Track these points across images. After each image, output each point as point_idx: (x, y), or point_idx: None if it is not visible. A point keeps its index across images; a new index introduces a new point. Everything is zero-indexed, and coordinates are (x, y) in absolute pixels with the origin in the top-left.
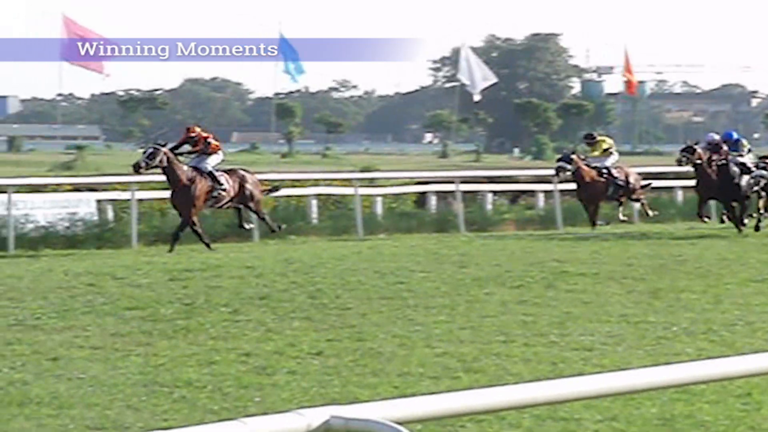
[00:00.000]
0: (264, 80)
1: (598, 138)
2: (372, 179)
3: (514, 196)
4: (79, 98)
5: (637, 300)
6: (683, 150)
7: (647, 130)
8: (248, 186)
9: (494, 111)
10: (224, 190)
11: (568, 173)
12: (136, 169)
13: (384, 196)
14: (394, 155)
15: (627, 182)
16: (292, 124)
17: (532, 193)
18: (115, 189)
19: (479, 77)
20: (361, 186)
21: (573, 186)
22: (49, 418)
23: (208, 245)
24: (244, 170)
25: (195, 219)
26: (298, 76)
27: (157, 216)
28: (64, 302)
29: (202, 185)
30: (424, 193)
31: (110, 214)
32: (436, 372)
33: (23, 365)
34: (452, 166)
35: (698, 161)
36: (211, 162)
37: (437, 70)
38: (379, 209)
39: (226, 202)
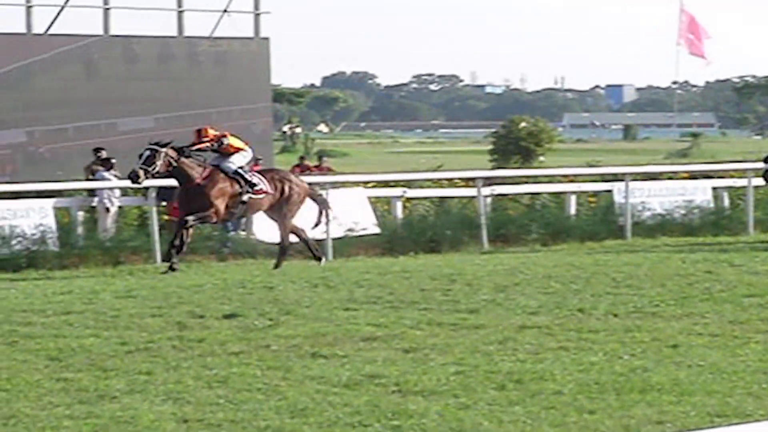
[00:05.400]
0: None
1: None
2: None
3: None
4: (694, 86)
5: None
6: None
7: None
8: (291, 187)
9: None
10: (260, 191)
11: None
12: (134, 180)
13: None
14: None
15: None
16: None
17: None
18: (731, 176)
19: None
20: None
21: None
22: (670, 405)
23: (171, 266)
24: (287, 171)
25: (191, 231)
26: None
27: None
28: (682, 289)
29: (224, 185)
30: None
31: (726, 201)
32: None
33: (643, 352)
34: None
35: None
36: (236, 161)
37: None
38: None
39: (265, 209)
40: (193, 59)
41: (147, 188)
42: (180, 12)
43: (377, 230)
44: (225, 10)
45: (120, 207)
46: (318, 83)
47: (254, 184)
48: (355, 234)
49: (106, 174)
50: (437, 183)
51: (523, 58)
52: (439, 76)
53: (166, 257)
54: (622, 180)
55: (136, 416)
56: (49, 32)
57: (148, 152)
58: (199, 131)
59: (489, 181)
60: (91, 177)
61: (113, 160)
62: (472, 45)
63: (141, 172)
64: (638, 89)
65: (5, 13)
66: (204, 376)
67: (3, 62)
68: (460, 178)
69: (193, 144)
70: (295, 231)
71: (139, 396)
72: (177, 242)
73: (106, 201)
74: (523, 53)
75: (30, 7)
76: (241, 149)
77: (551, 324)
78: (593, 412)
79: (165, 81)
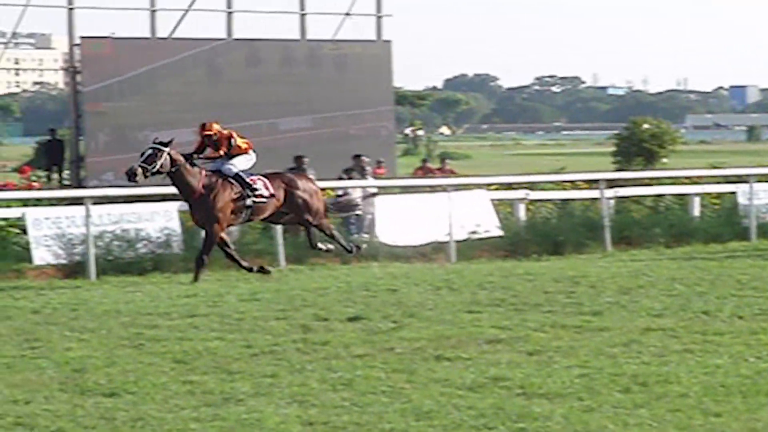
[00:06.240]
0: None
1: None
2: None
3: None
4: None
5: None
6: None
7: None
8: (299, 194)
9: None
10: (261, 196)
11: None
12: (130, 176)
13: None
14: None
15: None
16: None
17: None
18: None
19: None
20: None
21: None
22: None
23: (249, 269)
24: (297, 174)
25: (223, 236)
26: None
27: None
28: None
29: (226, 193)
30: None
31: None
32: None
33: None
34: None
35: None
36: (238, 164)
37: None
38: None
39: (272, 214)
40: (316, 62)
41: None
42: (302, 15)
43: (500, 232)
44: (347, 13)
45: None
46: (440, 86)
47: (255, 189)
48: (478, 236)
49: None
50: (560, 185)
51: (646, 60)
52: (561, 78)
53: (259, 269)
54: (746, 181)
55: (262, 419)
56: (173, 36)
57: (150, 151)
58: (203, 126)
59: (612, 183)
60: None
61: None
62: (594, 46)
63: (139, 170)
64: (762, 90)
65: (129, 17)
66: (329, 379)
67: (130, 66)
68: (583, 180)
69: (199, 147)
70: (296, 221)
71: (265, 399)
72: (235, 256)
73: None
74: (646, 54)
75: (154, 11)
76: (246, 151)
77: (676, 326)
78: (719, 415)
79: (288, 84)
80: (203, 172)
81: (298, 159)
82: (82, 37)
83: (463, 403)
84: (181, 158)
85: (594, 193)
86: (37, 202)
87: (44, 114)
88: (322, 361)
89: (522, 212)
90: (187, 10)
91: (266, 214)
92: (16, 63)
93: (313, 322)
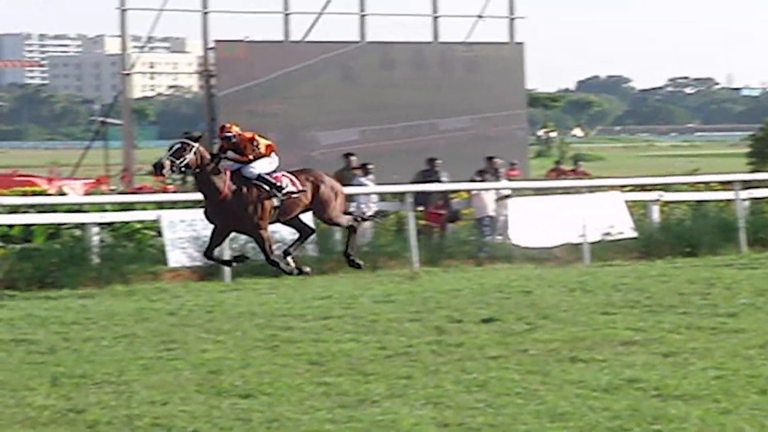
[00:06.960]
0: None
1: None
2: None
3: None
4: None
5: None
6: None
7: None
8: (324, 190)
9: None
10: (290, 193)
11: None
12: (158, 170)
13: None
14: None
15: None
16: None
17: None
18: None
19: None
20: None
21: None
22: None
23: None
24: (325, 172)
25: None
26: None
27: None
28: None
29: (254, 194)
30: None
31: None
32: None
33: None
34: None
35: None
36: (259, 166)
37: None
38: None
39: (301, 212)
40: (448, 65)
41: (404, 193)
42: (435, 18)
43: (634, 234)
44: (479, 16)
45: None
46: (573, 87)
47: (281, 188)
48: (612, 238)
49: (363, 179)
50: (694, 186)
51: None
52: (695, 79)
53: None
54: None
55: (397, 420)
56: (306, 39)
57: (178, 144)
58: (222, 127)
59: (747, 185)
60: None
61: (370, 166)
62: (728, 48)
63: (167, 163)
64: None
65: (263, 21)
66: (463, 381)
67: (264, 70)
68: (717, 182)
69: (223, 148)
70: (298, 226)
71: (399, 400)
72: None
73: (363, 206)
74: None
75: (287, 14)
76: (269, 154)
77: None
78: None
79: (420, 87)
80: (228, 173)
81: (430, 161)
82: (217, 41)
83: (598, 405)
84: (209, 156)
85: (728, 195)
86: (173, 205)
87: (179, 117)
88: (456, 362)
89: (656, 214)
90: (320, 14)
91: (296, 213)
92: (151, 67)
93: (446, 323)
